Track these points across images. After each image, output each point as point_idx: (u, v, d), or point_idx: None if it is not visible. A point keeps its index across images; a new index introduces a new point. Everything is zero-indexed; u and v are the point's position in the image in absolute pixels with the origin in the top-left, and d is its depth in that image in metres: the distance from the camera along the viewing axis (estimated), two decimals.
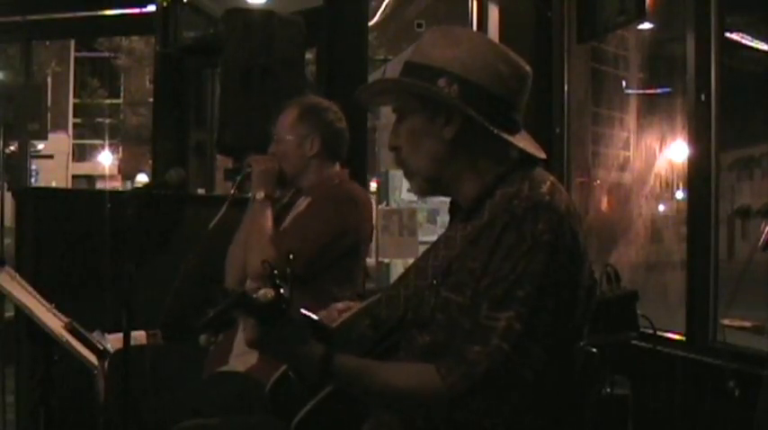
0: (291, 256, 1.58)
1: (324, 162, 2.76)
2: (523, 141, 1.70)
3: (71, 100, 29.44)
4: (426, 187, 1.74)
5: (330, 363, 1.51)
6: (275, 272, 1.45)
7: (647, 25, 4.41)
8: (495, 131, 1.64)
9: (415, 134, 1.70)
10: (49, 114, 6.66)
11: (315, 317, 1.56)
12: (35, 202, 3.76)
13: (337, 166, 2.81)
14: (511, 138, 1.67)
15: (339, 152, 2.81)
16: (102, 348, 2.62)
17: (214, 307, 1.46)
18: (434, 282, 1.66)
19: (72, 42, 23.90)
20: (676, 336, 3.19)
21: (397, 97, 1.75)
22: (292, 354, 1.51)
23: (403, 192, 8.22)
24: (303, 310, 1.52)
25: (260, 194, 2.69)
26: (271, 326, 1.46)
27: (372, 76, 5.36)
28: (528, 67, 1.72)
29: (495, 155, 1.68)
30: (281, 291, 1.43)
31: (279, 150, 2.77)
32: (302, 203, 2.75)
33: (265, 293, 1.43)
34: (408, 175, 1.75)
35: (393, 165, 1.94)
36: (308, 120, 2.75)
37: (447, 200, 1.81)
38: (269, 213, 2.67)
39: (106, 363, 2.64)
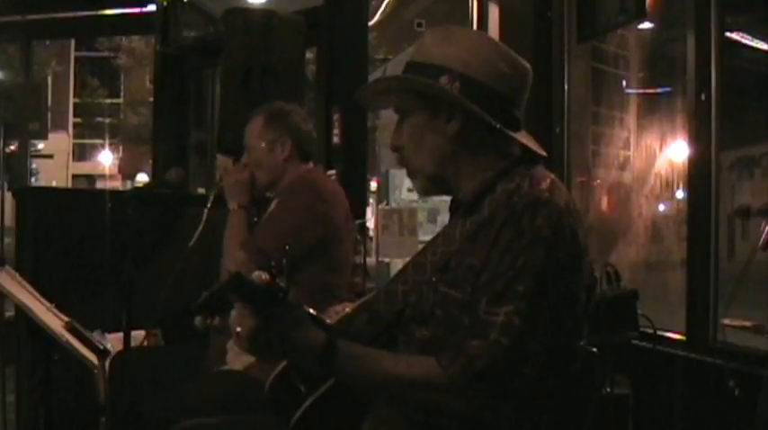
0: (287, 248, 1.58)
1: (297, 163, 2.80)
2: (525, 139, 1.70)
3: (71, 99, 29.49)
4: (430, 186, 1.74)
5: (334, 349, 1.51)
6: (272, 263, 1.44)
7: (647, 25, 4.42)
8: (498, 127, 1.64)
9: (417, 132, 1.70)
10: (49, 114, 6.67)
11: (312, 311, 1.56)
12: (35, 202, 3.76)
13: (310, 164, 2.85)
14: (513, 134, 1.67)
15: (310, 152, 2.86)
16: (102, 348, 2.62)
17: (209, 289, 1.46)
18: (433, 278, 1.66)
19: (72, 42, 23.92)
20: (676, 336, 3.19)
21: (398, 97, 1.75)
22: (293, 342, 1.50)
23: (403, 191, 8.23)
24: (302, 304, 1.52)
25: (233, 205, 2.78)
26: (267, 313, 1.45)
27: (372, 76, 5.36)
28: (528, 66, 1.73)
29: (498, 151, 1.69)
30: (278, 280, 1.43)
31: (251, 159, 2.82)
32: (273, 205, 2.79)
33: (259, 275, 1.43)
34: (411, 175, 1.75)
35: (394, 164, 1.94)
36: (276, 124, 2.79)
37: (448, 199, 1.81)
38: (243, 222, 2.75)
39: (106, 363, 2.64)
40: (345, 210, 2.78)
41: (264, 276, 1.42)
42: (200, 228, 2.77)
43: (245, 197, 2.79)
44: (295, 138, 2.79)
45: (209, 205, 2.83)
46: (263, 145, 2.78)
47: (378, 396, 1.64)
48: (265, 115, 2.81)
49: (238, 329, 1.48)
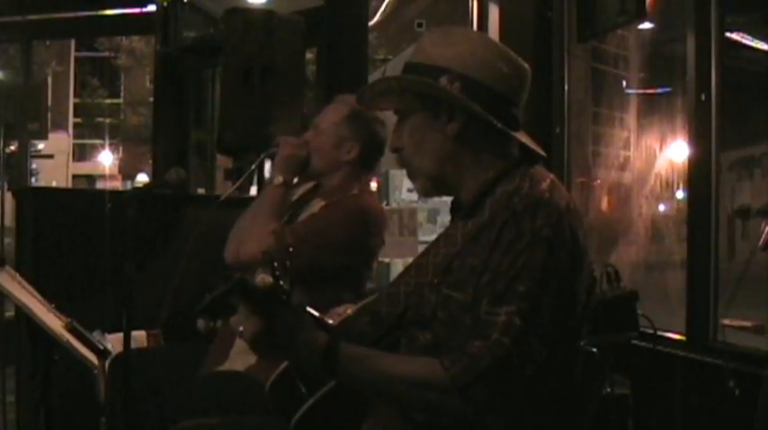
0: (291, 250, 1.57)
1: (355, 170, 2.68)
2: (524, 138, 1.71)
3: (71, 100, 29.51)
4: (430, 186, 1.74)
5: (336, 351, 1.51)
6: (275, 263, 1.45)
7: (647, 25, 4.41)
8: (499, 127, 1.64)
9: (417, 133, 1.71)
10: (49, 114, 6.67)
11: (315, 313, 1.56)
12: (35, 202, 3.76)
13: (366, 176, 2.73)
14: (514, 134, 1.67)
15: (373, 164, 2.73)
16: (102, 348, 2.62)
17: (213, 292, 1.46)
18: (435, 280, 1.66)
19: (72, 42, 23.94)
20: (676, 336, 3.19)
21: (398, 97, 1.75)
22: (295, 344, 1.50)
23: (403, 191, 8.22)
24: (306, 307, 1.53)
25: (278, 179, 2.64)
26: (269, 315, 1.45)
27: (372, 77, 5.36)
28: (527, 66, 1.73)
29: (497, 151, 1.69)
30: (281, 282, 1.43)
31: (314, 141, 2.68)
32: (316, 205, 2.69)
33: (263, 279, 1.43)
34: (412, 176, 1.75)
35: (394, 164, 1.94)
36: (355, 124, 2.65)
37: (448, 199, 1.81)
38: (280, 200, 2.63)
39: (106, 363, 2.64)
40: (382, 236, 2.69)
41: (268, 279, 1.43)
42: (239, 182, 2.65)
43: (293, 176, 2.65)
44: (365, 147, 2.65)
45: (255, 164, 2.70)
46: (333, 137, 2.65)
47: (380, 397, 1.64)
48: (350, 110, 2.65)
49: (240, 328, 1.49)
